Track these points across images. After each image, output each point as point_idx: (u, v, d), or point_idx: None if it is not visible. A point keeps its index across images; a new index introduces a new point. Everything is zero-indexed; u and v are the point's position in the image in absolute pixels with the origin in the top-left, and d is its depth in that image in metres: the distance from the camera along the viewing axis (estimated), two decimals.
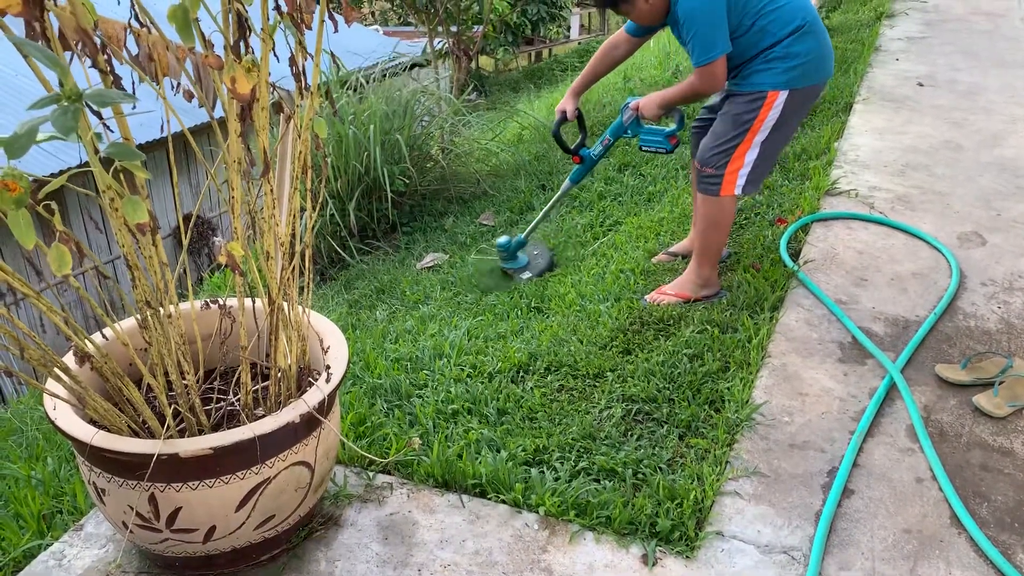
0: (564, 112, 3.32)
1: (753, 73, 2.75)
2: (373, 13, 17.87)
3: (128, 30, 1.30)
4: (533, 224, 3.80)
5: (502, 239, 3.77)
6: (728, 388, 2.42)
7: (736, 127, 2.77)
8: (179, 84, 1.37)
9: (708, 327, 2.78)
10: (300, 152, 1.45)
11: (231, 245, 1.31)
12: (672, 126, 3.08)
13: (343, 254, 4.79)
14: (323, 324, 1.92)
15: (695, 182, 3.23)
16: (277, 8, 1.34)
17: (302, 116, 1.38)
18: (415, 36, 8.01)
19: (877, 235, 3.34)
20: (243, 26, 1.17)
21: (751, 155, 2.79)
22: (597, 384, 2.53)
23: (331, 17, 1.27)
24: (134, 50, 1.28)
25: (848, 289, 2.96)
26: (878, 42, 6.25)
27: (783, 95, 2.72)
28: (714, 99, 3.08)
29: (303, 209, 1.58)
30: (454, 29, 7.81)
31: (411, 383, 2.55)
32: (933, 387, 2.45)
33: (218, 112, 1.43)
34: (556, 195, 3.59)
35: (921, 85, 5.24)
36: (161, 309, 1.46)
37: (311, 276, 1.74)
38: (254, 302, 1.88)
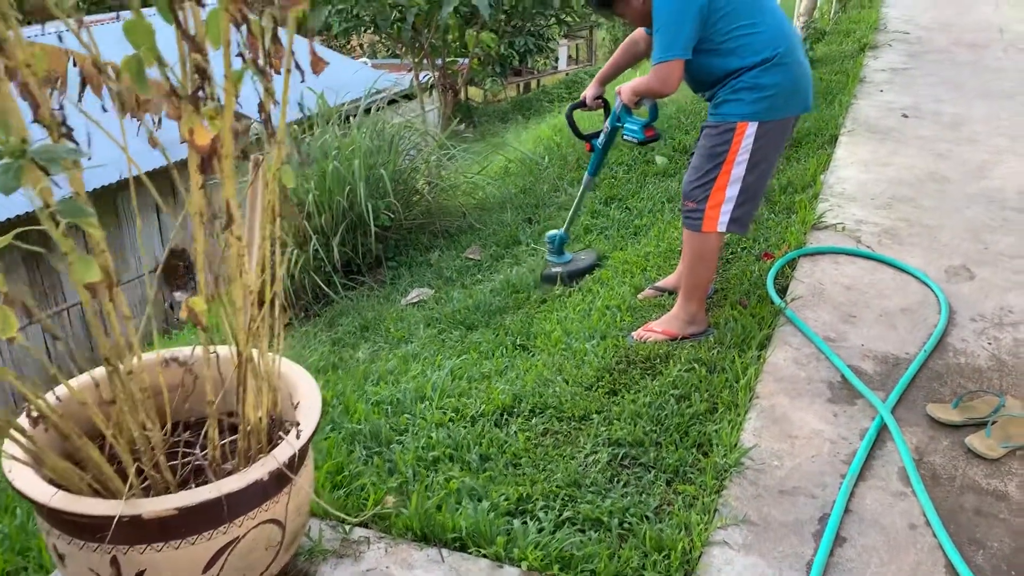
0: (584, 98, 3.34)
1: (722, 103, 2.74)
2: (362, 45, 17.96)
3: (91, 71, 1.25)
4: (570, 218, 3.86)
5: (551, 232, 3.90)
6: (716, 431, 2.36)
7: (711, 160, 2.76)
8: (158, 120, 1.33)
9: (695, 366, 2.73)
10: (269, 201, 1.40)
11: (192, 301, 1.25)
12: (647, 118, 3.07)
13: (327, 290, 4.73)
14: (295, 373, 1.86)
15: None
16: (241, 55, 1.29)
17: (269, 165, 1.33)
18: (403, 68, 8.03)
19: (865, 270, 3.31)
20: (202, 75, 1.12)
21: (732, 190, 2.76)
22: (583, 427, 2.47)
23: (298, 66, 1.22)
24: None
25: (837, 326, 2.91)
26: (862, 73, 6.28)
27: (752, 126, 2.69)
28: None
29: (274, 254, 1.52)
30: (439, 62, 7.82)
31: (391, 428, 2.49)
32: (925, 427, 2.40)
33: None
34: (580, 190, 3.65)
35: (906, 116, 5.25)
36: (122, 365, 1.40)
37: (282, 324, 1.68)
38: (220, 353, 1.82)
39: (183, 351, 1.76)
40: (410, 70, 7.35)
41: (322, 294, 4.81)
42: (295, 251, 4.78)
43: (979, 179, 4.24)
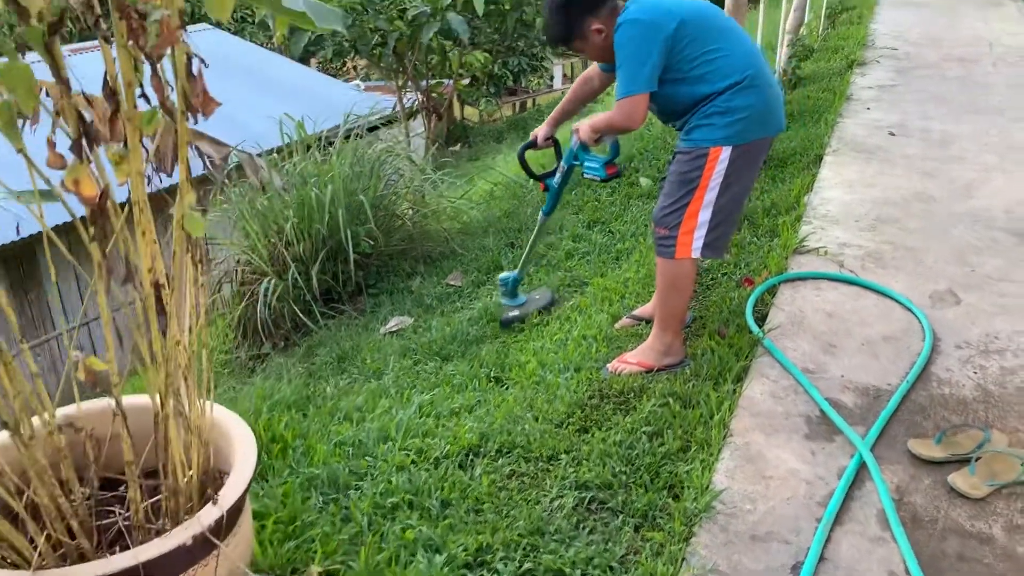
0: (535, 137, 3.26)
1: (694, 129, 2.66)
2: (355, 67, 17.96)
3: None
4: (523, 260, 3.74)
5: (503, 275, 3.77)
6: (688, 471, 2.27)
7: (683, 186, 2.68)
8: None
9: (670, 401, 2.63)
10: (187, 249, 1.31)
11: (90, 360, 1.16)
12: (608, 155, 3.00)
13: (306, 320, 4.64)
14: (230, 423, 1.76)
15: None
16: (144, 96, 1.21)
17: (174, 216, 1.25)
18: (395, 91, 7.99)
19: (847, 296, 3.22)
20: (83, 121, 1.04)
21: (704, 215, 2.68)
22: (550, 468, 2.37)
23: (190, 108, 1.14)
24: None
25: (816, 356, 2.82)
26: (849, 91, 6.21)
27: (726, 151, 2.62)
28: None
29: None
30: (423, 85, 7.78)
31: (351, 471, 2.39)
32: (906, 465, 2.30)
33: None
34: (536, 229, 3.54)
35: (892, 134, 5.18)
36: (28, 427, 1.31)
37: (211, 373, 1.59)
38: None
39: (95, 407, 1.67)
40: (395, 92, 7.30)
41: (301, 323, 4.71)
42: (273, 280, 4.69)
43: (966, 198, 4.15)
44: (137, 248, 1.31)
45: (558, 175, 3.24)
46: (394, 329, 4.30)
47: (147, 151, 1.28)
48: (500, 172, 6.65)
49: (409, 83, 7.27)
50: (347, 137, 5.67)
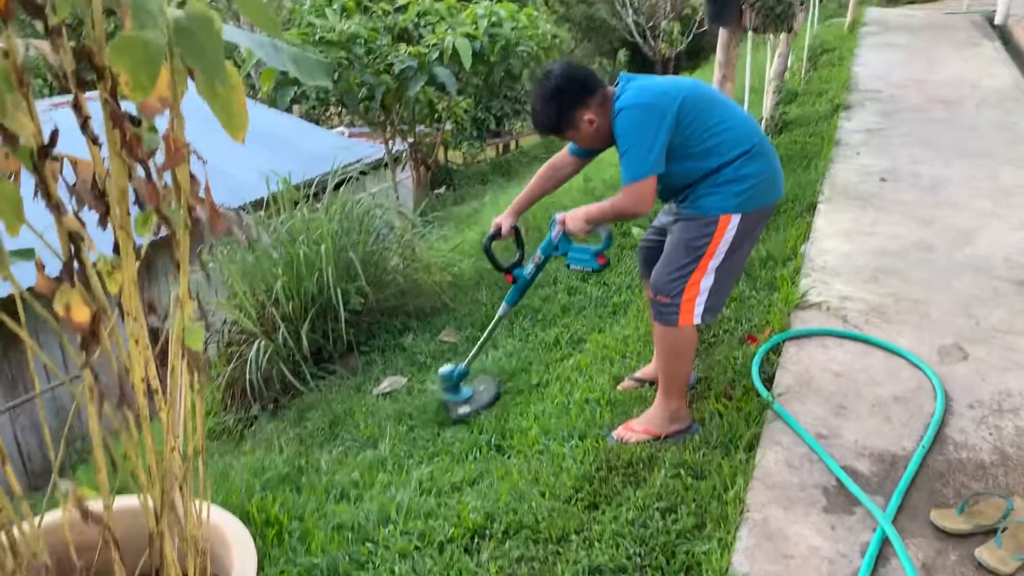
0: (499, 226, 3.14)
1: (702, 197, 2.61)
2: (339, 114, 18.00)
3: None
4: (473, 353, 3.55)
5: (444, 369, 3.52)
6: (705, 552, 2.17)
7: (689, 253, 2.62)
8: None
9: (680, 472, 2.54)
10: (182, 360, 1.23)
11: (81, 490, 1.07)
12: (600, 244, 2.92)
13: (295, 382, 4.52)
14: (229, 528, 1.66)
15: (650, 305, 3.06)
16: (139, 202, 1.13)
17: (172, 328, 1.16)
18: (380, 137, 7.96)
19: (854, 353, 3.15)
20: (74, 240, 0.96)
21: (706, 282, 2.63)
22: (561, 551, 2.27)
23: (196, 222, 1.06)
24: None
25: (828, 421, 2.74)
26: (837, 135, 6.22)
27: (735, 219, 2.58)
28: (662, 218, 2.94)
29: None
30: (411, 139, 7.76)
31: (351, 559, 2.28)
32: (930, 539, 2.22)
33: None
34: (495, 319, 3.38)
35: (884, 180, 5.16)
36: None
37: (209, 480, 1.49)
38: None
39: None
40: (382, 142, 7.27)
41: (290, 385, 4.60)
42: (262, 341, 4.58)
43: (964, 246, 4.12)
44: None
45: (531, 266, 3.13)
46: (387, 390, 4.20)
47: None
48: (489, 221, 6.59)
49: (396, 135, 7.24)
50: (337, 186, 5.62)
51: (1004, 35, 10.45)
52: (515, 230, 3.17)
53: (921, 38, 10.52)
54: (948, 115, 6.80)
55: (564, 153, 2.99)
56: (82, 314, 0.96)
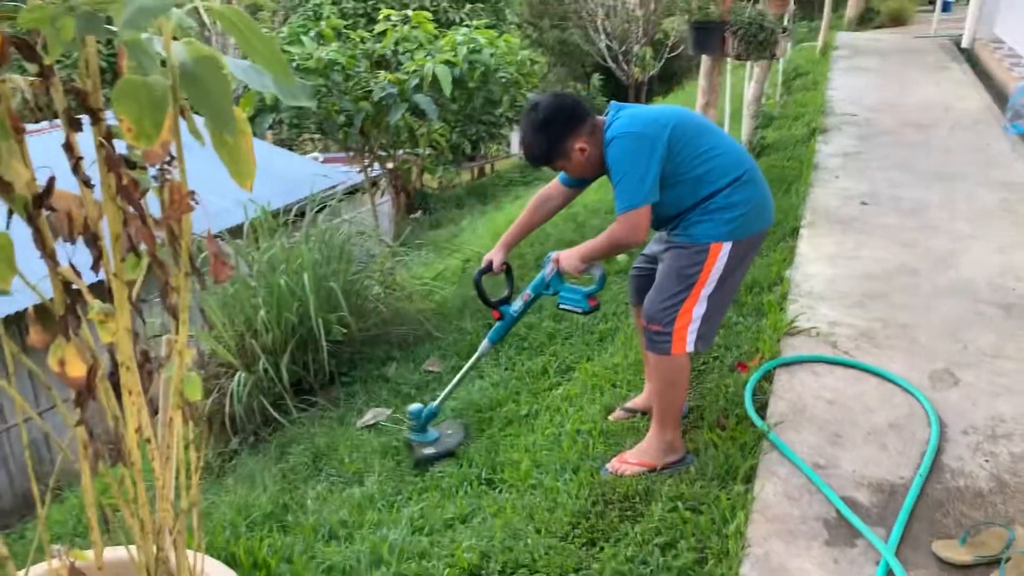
0: (491, 262, 3.10)
1: (694, 224, 2.60)
2: (314, 139, 17.93)
3: None
4: (447, 391, 3.46)
5: (414, 407, 3.44)
6: None
7: (681, 281, 2.59)
8: None
9: (678, 505, 2.50)
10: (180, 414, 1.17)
11: (74, 553, 1.00)
12: (593, 285, 2.88)
13: (276, 414, 4.43)
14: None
15: (641, 334, 3.03)
16: (132, 249, 1.07)
17: (171, 377, 1.10)
18: (355, 162, 7.91)
19: (846, 380, 3.13)
20: (71, 293, 0.90)
21: (699, 310, 2.61)
22: None
23: (196, 271, 1.01)
24: None
25: (824, 450, 2.71)
26: (815, 159, 6.27)
27: (727, 247, 2.56)
28: (653, 246, 2.92)
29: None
30: (391, 165, 7.72)
31: None
32: (934, 571, 2.19)
33: None
34: (472, 358, 3.30)
35: (865, 204, 5.20)
36: None
37: (203, 532, 1.43)
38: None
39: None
40: (360, 171, 7.22)
41: (272, 417, 4.50)
42: (242, 373, 4.49)
43: (947, 269, 4.14)
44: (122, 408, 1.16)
45: (519, 303, 3.08)
46: (371, 422, 4.12)
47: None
48: (470, 248, 6.56)
49: (375, 162, 7.20)
50: (318, 211, 5.55)
51: (971, 58, 10.64)
52: (506, 265, 3.13)
53: (892, 62, 10.68)
54: (923, 138, 6.88)
55: (554, 183, 2.96)
56: (78, 369, 0.91)
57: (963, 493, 2.51)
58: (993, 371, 3.18)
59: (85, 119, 1.07)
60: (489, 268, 3.09)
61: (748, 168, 2.60)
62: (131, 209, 1.05)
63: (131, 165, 1.04)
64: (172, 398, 1.11)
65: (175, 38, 1.28)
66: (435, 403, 3.46)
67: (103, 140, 0.98)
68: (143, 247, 1.09)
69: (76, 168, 1.07)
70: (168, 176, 0.96)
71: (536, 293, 2.99)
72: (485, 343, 3.23)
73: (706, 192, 2.55)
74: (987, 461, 2.65)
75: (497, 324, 3.17)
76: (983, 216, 4.91)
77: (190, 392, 1.09)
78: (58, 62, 1.07)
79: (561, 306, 2.95)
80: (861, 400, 3.01)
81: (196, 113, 0.93)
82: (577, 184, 2.92)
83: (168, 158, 1.04)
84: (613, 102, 2.71)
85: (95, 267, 1.11)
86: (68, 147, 1.06)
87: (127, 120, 0.84)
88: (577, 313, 2.91)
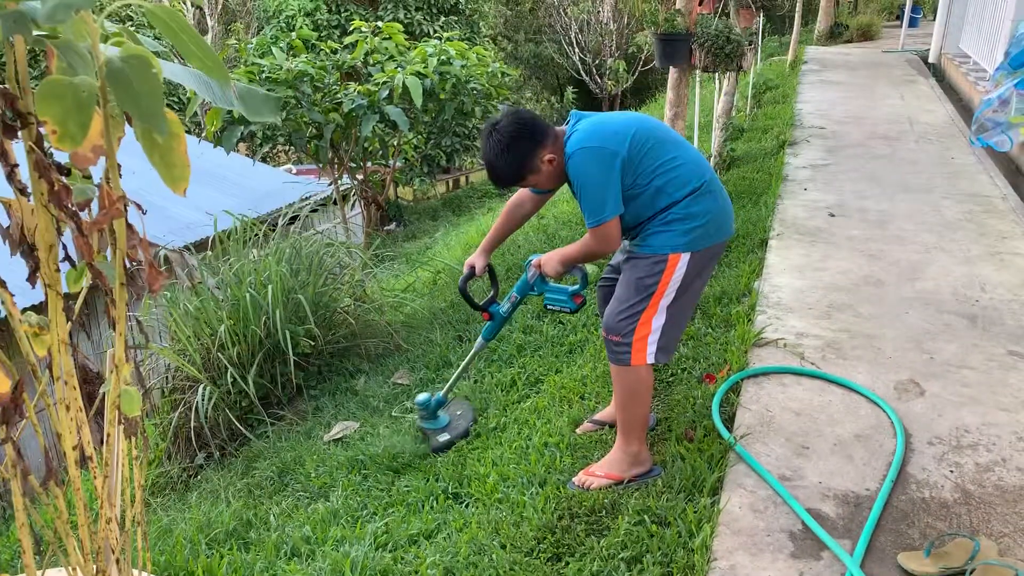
0: (473, 267, 3.16)
1: (652, 235, 2.59)
2: (287, 151, 17.81)
3: None
4: (451, 382, 3.55)
5: (421, 396, 3.52)
6: None
7: (639, 292, 2.59)
8: None
9: (645, 518, 2.48)
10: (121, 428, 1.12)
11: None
12: (577, 284, 2.97)
13: (242, 428, 4.36)
14: None
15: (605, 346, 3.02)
16: (68, 259, 1.04)
17: (108, 393, 1.06)
18: (328, 174, 7.85)
19: (812, 391, 3.14)
20: None
21: (658, 320, 2.60)
22: None
23: (131, 280, 0.97)
24: None
25: (791, 461, 2.71)
26: (784, 171, 6.31)
27: (685, 257, 2.56)
28: (617, 256, 2.92)
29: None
30: (361, 176, 7.67)
31: None
32: None
33: None
34: (471, 352, 3.40)
35: (832, 215, 5.23)
36: None
37: (149, 552, 1.38)
38: None
39: None
40: (331, 183, 7.15)
41: (238, 432, 4.43)
42: (207, 387, 4.42)
43: (913, 280, 4.17)
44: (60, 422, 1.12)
45: (507, 304, 3.17)
46: (338, 436, 4.06)
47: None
48: (441, 260, 6.53)
49: (345, 174, 7.15)
50: (289, 223, 5.49)
51: (938, 73, 10.81)
52: (488, 268, 3.20)
53: (860, 76, 10.82)
54: (890, 150, 6.96)
55: (524, 192, 2.98)
56: (2, 385, 0.86)
57: (928, 504, 2.51)
58: (958, 381, 3.20)
59: None
60: (472, 274, 3.15)
61: (707, 179, 2.60)
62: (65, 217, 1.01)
63: (65, 172, 1.00)
64: (108, 413, 1.07)
65: (158, 38, 1.24)
66: (440, 393, 3.53)
67: (32, 145, 0.94)
68: (81, 258, 1.06)
69: (11, 176, 1.04)
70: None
71: (522, 294, 3.08)
72: (480, 341, 3.33)
73: (664, 203, 2.55)
74: (952, 472, 2.66)
75: (488, 324, 3.24)
76: (948, 228, 4.97)
77: (127, 407, 1.05)
78: None
79: (548, 306, 3.04)
80: (827, 411, 3.01)
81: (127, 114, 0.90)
82: (546, 192, 2.93)
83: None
84: (574, 111, 2.72)
85: (31, 279, 1.07)
86: (2, 153, 1.02)
87: (51, 122, 0.81)
88: (565, 312, 2.97)
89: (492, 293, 3.26)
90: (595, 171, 2.49)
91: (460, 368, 3.51)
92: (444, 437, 3.51)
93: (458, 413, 3.67)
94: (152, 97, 0.82)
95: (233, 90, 0.99)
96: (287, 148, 17.37)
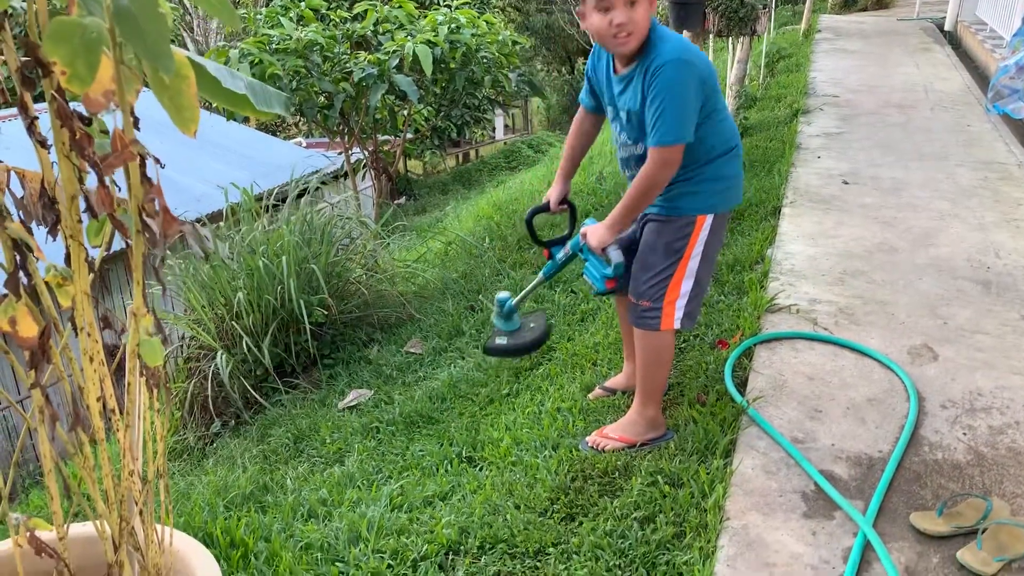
0: (548, 199, 2.96)
1: (680, 196, 2.54)
2: (297, 124, 17.81)
3: None
4: (523, 294, 3.41)
5: (502, 294, 3.47)
6: (686, 562, 2.12)
7: (668, 256, 2.56)
8: None
9: (658, 479, 2.50)
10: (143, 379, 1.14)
11: (34, 522, 0.98)
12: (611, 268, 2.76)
13: (257, 396, 4.40)
14: (192, 554, 1.56)
15: (623, 315, 3.01)
16: (89, 209, 1.05)
17: (128, 342, 1.08)
18: (338, 147, 7.84)
19: (825, 356, 3.14)
20: (20, 250, 0.88)
21: (687, 284, 2.58)
22: (539, 566, 2.21)
23: (147, 228, 0.98)
24: None
25: (803, 424, 2.72)
26: (798, 139, 6.27)
27: (709, 219, 2.55)
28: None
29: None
30: (371, 145, 7.65)
31: None
32: (911, 542, 2.19)
33: None
34: (537, 278, 3.20)
35: (846, 183, 5.20)
36: None
37: (171, 504, 1.40)
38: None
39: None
40: (341, 153, 7.14)
41: (253, 399, 4.48)
42: (223, 355, 4.45)
43: (927, 247, 4.15)
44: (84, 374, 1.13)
45: (562, 253, 2.97)
46: (352, 403, 4.10)
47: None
48: (453, 231, 6.52)
49: (355, 145, 7.14)
50: (298, 196, 5.50)
51: (954, 40, 10.67)
52: (570, 206, 3.01)
53: (874, 44, 10.69)
54: (904, 119, 6.89)
55: (580, 112, 2.82)
56: (29, 329, 0.88)
57: (941, 466, 2.52)
58: (972, 346, 3.19)
59: None
60: (544, 207, 2.98)
61: (738, 143, 2.58)
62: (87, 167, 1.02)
63: (86, 121, 1.01)
64: (129, 362, 1.08)
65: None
66: (515, 299, 3.44)
67: (54, 94, 0.95)
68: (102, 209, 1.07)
69: (31, 128, 1.04)
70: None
71: (573, 251, 2.88)
72: (541, 275, 3.15)
73: (702, 156, 2.46)
74: (965, 434, 2.66)
75: (548, 263, 3.07)
76: (963, 195, 4.93)
77: (149, 357, 1.07)
78: (10, 16, 1.04)
79: (584, 275, 2.86)
80: (840, 376, 3.01)
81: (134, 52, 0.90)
82: (595, 109, 2.77)
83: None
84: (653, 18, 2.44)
85: (52, 231, 1.08)
86: (23, 106, 1.03)
87: (60, 62, 0.82)
88: (594, 290, 2.81)
89: (568, 231, 3.06)
90: (690, 88, 2.31)
91: (531, 287, 3.28)
92: (502, 340, 3.47)
93: (531, 326, 3.56)
94: (158, 35, 0.83)
95: (240, 75, 1.00)
96: (297, 121, 17.33)
